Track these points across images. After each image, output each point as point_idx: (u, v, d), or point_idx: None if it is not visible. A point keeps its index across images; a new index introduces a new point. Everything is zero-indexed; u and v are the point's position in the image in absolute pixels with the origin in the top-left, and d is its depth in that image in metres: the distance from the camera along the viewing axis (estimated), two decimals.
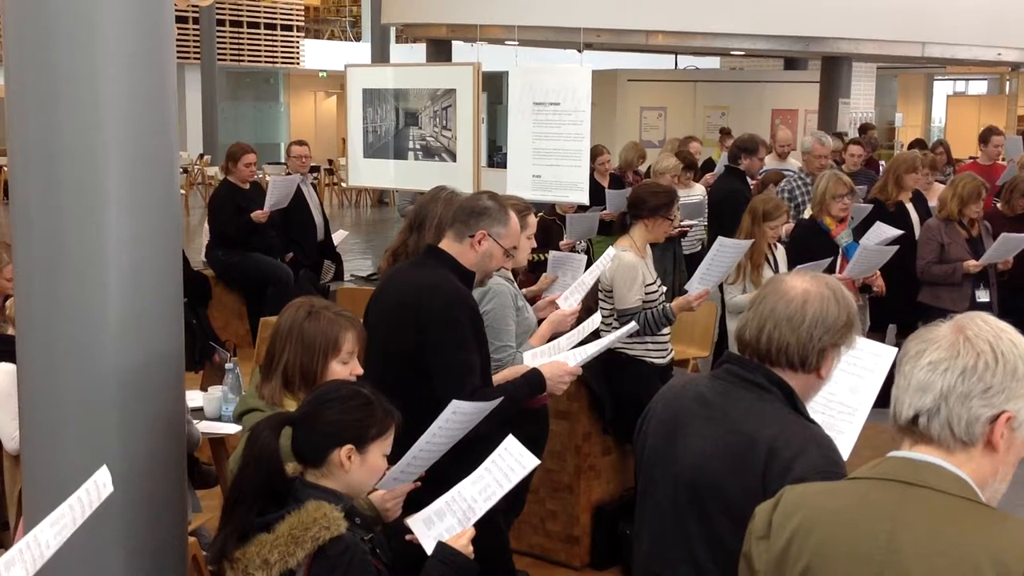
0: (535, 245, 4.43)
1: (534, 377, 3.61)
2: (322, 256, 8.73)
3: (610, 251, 4.77)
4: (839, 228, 6.40)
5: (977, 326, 1.77)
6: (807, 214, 6.78)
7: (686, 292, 5.13)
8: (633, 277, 4.92)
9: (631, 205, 5.21)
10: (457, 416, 3.01)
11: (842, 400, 2.70)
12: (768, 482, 2.15)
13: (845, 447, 2.55)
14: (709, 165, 10.69)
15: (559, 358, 3.74)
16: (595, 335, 4.03)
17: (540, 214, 6.36)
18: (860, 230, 6.66)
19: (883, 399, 2.75)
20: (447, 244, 3.59)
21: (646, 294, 4.98)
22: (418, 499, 2.93)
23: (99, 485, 2.15)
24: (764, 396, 2.28)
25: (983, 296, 6.59)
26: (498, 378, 3.65)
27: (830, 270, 5.95)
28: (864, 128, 14.14)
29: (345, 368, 3.00)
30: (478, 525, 2.80)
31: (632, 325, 4.13)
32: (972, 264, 6.48)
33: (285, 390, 2.97)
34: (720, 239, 5.15)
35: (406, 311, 3.46)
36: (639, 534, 2.47)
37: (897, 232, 6.55)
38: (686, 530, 2.29)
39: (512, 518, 4.47)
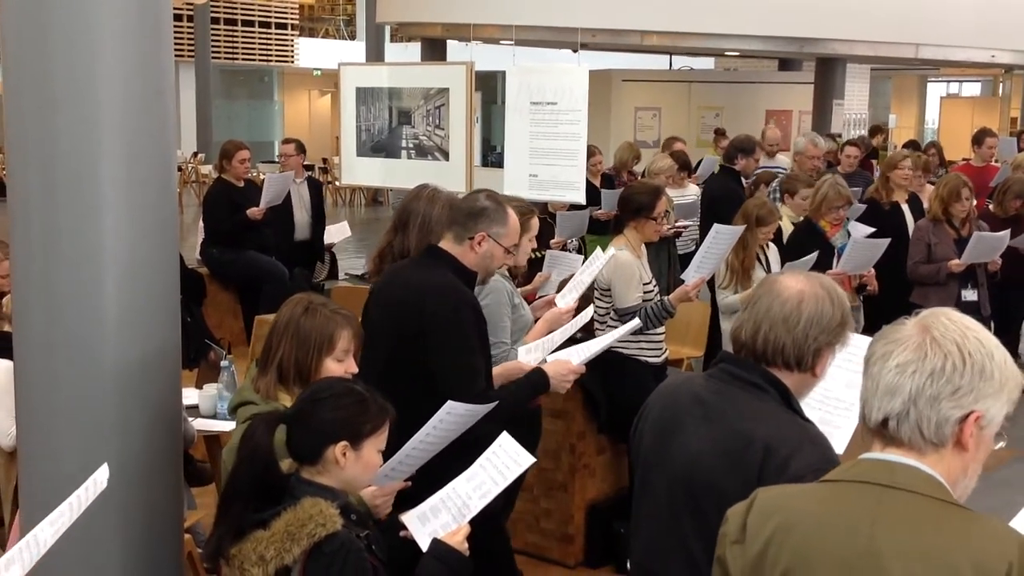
0: (535, 246, 4.43)
1: (538, 377, 3.57)
2: (306, 255, 8.69)
3: (609, 249, 4.78)
4: (834, 230, 6.45)
5: (943, 325, 1.74)
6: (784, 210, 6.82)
7: (683, 282, 5.13)
8: (631, 275, 4.93)
9: (619, 207, 5.23)
10: (451, 417, 2.99)
11: (838, 396, 2.71)
12: (764, 480, 2.15)
13: (841, 442, 2.56)
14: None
15: (563, 356, 3.69)
16: (588, 328, 4.01)
17: None
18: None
19: None
20: (447, 245, 3.51)
21: (644, 293, 4.99)
22: (416, 497, 2.92)
23: (96, 483, 2.16)
24: (760, 395, 2.29)
25: (970, 295, 6.62)
26: (497, 374, 3.62)
27: (823, 269, 5.97)
28: (874, 130, 14.15)
29: (340, 366, 3.00)
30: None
31: (636, 322, 4.10)
32: (955, 264, 6.53)
33: (280, 384, 2.98)
34: (716, 226, 5.11)
35: (409, 312, 3.41)
36: (634, 531, 2.49)
37: (871, 230, 6.59)
38: (681, 527, 2.31)
39: (503, 517, 4.47)
